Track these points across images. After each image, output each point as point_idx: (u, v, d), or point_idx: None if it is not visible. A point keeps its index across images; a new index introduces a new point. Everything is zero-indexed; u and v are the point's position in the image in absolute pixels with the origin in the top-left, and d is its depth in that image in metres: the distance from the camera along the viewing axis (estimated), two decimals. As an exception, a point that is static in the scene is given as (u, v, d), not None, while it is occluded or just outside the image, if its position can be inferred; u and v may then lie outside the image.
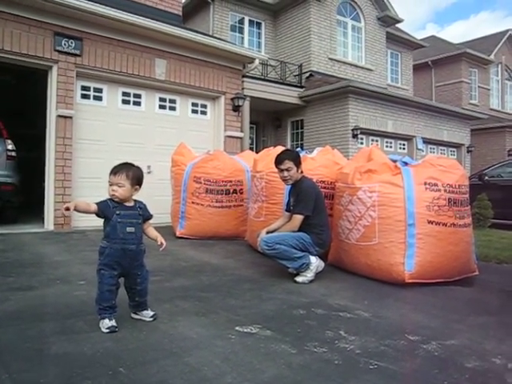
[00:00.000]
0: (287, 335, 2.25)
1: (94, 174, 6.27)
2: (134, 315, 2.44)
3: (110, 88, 6.87)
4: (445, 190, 3.45)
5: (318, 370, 1.86)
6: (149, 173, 6.90)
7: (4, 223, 6.18)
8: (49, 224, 6.07)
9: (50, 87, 6.24)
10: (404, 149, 11.95)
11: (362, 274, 3.64)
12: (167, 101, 7.55)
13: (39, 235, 5.60)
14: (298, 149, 5.55)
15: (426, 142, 12.31)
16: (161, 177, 6.88)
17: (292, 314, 2.61)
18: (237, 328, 2.33)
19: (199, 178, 5.52)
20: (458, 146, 13.59)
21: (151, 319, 2.40)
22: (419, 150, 11.94)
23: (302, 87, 11.24)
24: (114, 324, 2.22)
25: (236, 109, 8.13)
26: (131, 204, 2.37)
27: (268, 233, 3.59)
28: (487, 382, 1.82)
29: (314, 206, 3.51)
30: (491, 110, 18.78)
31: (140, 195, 2.43)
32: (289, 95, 10.85)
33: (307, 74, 11.70)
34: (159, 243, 2.45)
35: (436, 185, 3.46)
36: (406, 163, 3.74)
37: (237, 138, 8.22)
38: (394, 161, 3.80)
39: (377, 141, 11.20)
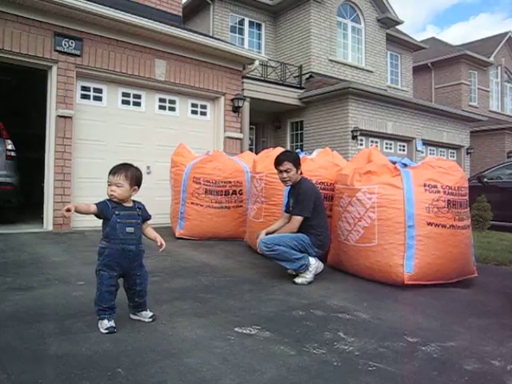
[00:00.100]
0: (286, 336, 2.25)
1: (93, 175, 6.27)
2: (132, 316, 2.43)
3: (110, 88, 6.87)
4: (444, 192, 3.46)
5: (317, 371, 1.86)
6: (148, 173, 6.91)
7: (3, 223, 6.17)
8: (48, 224, 6.07)
9: (49, 87, 6.24)
10: (403, 150, 11.96)
11: (362, 276, 3.64)
12: (167, 101, 7.55)
13: (38, 235, 5.60)
14: (298, 150, 5.56)
15: (426, 143, 12.32)
16: (160, 177, 6.89)
17: (291, 316, 2.61)
18: (236, 329, 2.33)
19: (199, 178, 5.52)
20: (457, 147, 13.61)
21: (150, 320, 2.40)
22: (419, 151, 11.96)
23: (301, 88, 11.24)
24: (113, 325, 2.22)
25: (236, 110, 8.14)
26: (130, 204, 2.38)
27: (267, 234, 3.59)
28: (486, 384, 1.82)
29: (313, 207, 3.52)
30: (491, 111, 18.82)
31: (139, 196, 2.43)
32: (289, 96, 10.85)
33: (307, 76, 11.71)
34: (158, 244, 2.45)
35: (435, 186, 3.46)
36: (405, 165, 3.74)
37: (236, 138, 8.23)
38: (394, 162, 3.80)
39: (376, 142, 11.21)
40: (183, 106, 7.75)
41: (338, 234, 3.87)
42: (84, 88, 6.61)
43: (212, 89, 7.86)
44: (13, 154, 6.00)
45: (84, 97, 6.61)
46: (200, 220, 5.51)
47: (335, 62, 12.42)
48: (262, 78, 10.66)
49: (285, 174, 3.61)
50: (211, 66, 7.83)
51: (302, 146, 11.20)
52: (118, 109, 6.95)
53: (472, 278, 3.69)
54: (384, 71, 14.07)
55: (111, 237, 2.27)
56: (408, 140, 11.90)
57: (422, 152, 12.11)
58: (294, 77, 11.64)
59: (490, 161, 14.31)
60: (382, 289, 3.34)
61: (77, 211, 2.20)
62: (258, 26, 12.73)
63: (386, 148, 11.51)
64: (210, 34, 10.74)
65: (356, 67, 13.05)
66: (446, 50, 19.30)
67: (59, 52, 6.13)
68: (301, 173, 3.70)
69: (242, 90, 8.58)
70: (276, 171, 3.74)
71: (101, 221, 2.33)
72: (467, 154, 13.76)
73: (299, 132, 11.59)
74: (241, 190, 5.60)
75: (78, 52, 6.27)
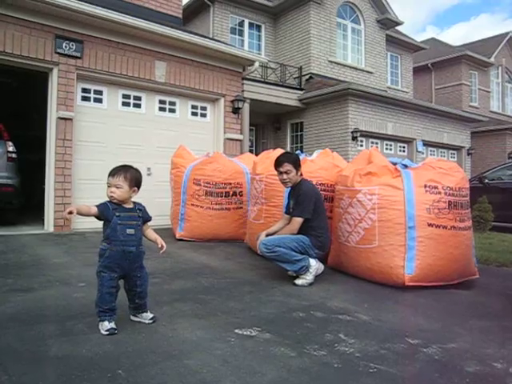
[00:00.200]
0: (287, 338, 2.24)
1: (93, 176, 6.27)
2: (133, 317, 2.43)
3: (110, 90, 6.88)
4: (445, 193, 3.45)
5: (317, 373, 1.85)
6: (149, 175, 6.91)
7: (4, 225, 6.18)
8: (49, 226, 6.07)
9: (50, 89, 6.25)
10: (404, 151, 11.96)
11: (362, 277, 3.63)
12: (167, 103, 7.56)
13: (39, 237, 5.60)
14: (298, 151, 5.56)
15: (426, 144, 12.32)
16: (161, 179, 6.89)
17: (291, 317, 2.61)
18: (236, 331, 2.33)
19: (199, 180, 5.52)
20: (458, 148, 13.60)
21: (150, 321, 2.40)
22: (419, 152, 11.95)
23: (301, 90, 11.25)
24: (114, 326, 2.22)
25: (236, 111, 8.14)
26: (131, 206, 2.38)
27: (268, 235, 3.59)
28: (487, 386, 1.82)
29: (313, 208, 3.51)
30: (491, 112, 18.81)
31: (140, 197, 2.43)
32: (288, 98, 10.86)
33: (307, 77, 11.72)
34: (159, 245, 2.45)
35: (436, 187, 3.46)
36: (405, 166, 3.74)
37: (236, 140, 8.23)
38: (394, 163, 3.80)
39: (376, 143, 11.21)
40: (183, 107, 7.76)
41: (339, 236, 3.87)
42: (84, 90, 6.62)
43: (212, 90, 7.86)
44: (14, 155, 6.01)
45: (84, 99, 6.62)
46: (200, 221, 5.51)
47: (335, 63, 12.42)
48: (262, 80, 10.67)
49: (285, 176, 3.61)
50: (211, 68, 7.84)
51: (302, 147, 11.20)
52: (118, 110, 6.96)
53: (473, 280, 3.68)
54: (384, 72, 14.08)
55: (112, 238, 2.28)
56: (408, 141, 11.90)
57: (423, 153, 12.11)
58: (294, 78, 11.65)
59: (490, 161, 14.30)
60: (383, 290, 3.33)
61: (78, 213, 2.21)
62: (258, 27, 12.75)
63: (387, 149, 11.51)
64: (210, 36, 10.76)
65: (356, 68, 13.06)
66: (447, 50, 19.31)
67: (60, 54, 6.14)
68: (301, 174, 3.70)
69: (242, 91, 8.59)
70: (276, 172, 3.74)
71: (101, 222, 2.34)
72: (468, 154, 13.75)
73: (299, 133, 11.59)
74: (241, 192, 5.61)
75: (78, 54, 6.29)
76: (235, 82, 8.23)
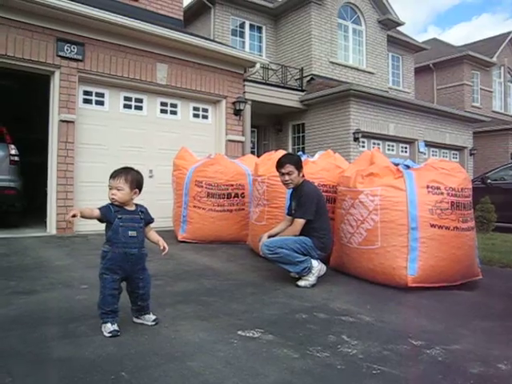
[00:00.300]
0: (289, 339, 2.24)
1: (95, 179, 6.28)
2: (136, 319, 2.43)
3: (112, 93, 6.90)
4: (447, 194, 3.44)
5: (320, 374, 1.85)
6: (151, 177, 6.92)
7: (7, 227, 6.20)
8: (51, 228, 6.09)
9: (52, 92, 6.27)
10: (406, 152, 11.94)
11: (365, 278, 3.62)
12: (168, 105, 7.58)
13: (42, 239, 5.61)
14: (300, 152, 5.56)
15: (428, 145, 12.30)
16: (163, 181, 6.90)
17: (294, 319, 2.60)
18: (239, 332, 2.32)
19: (201, 181, 5.53)
20: (460, 148, 13.58)
21: (153, 323, 2.40)
22: (421, 153, 11.94)
23: (303, 91, 11.26)
24: (117, 328, 2.22)
25: (237, 113, 8.15)
26: (132, 208, 2.38)
27: (270, 237, 3.58)
28: (491, 387, 1.81)
29: (315, 209, 3.50)
30: (494, 112, 18.76)
31: (142, 199, 2.43)
32: (290, 99, 10.87)
33: (308, 78, 11.73)
34: (161, 247, 2.45)
35: (438, 188, 3.45)
36: (408, 166, 3.73)
37: (238, 141, 8.23)
38: (396, 164, 3.79)
39: (378, 144, 11.20)
40: (185, 109, 7.77)
41: (341, 237, 3.86)
42: (86, 92, 6.64)
43: (213, 92, 7.87)
44: (16, 158, 6.03)
45: (86, 101, 6.64)
46: (202, 223, 5.51)
47: (336, 64, 12.43)
48: (263, 81, 10.69)
49: (287, 177, 3.61)
50: (212, 70, 7.85)
51: (303, 148, 11.20)
52: (119, 113, 6.98)
53: (476, 281, 3.67)
54: (385, 73, 14.08)
55: (113, 240, 2.28)
56: (410, 142, 11.89)
57: (425, 153, 12.09)
58: (295, 79, 11.66)
59: (493, 162, 14.25)
60: (385, 291, 3.33)
61: (82, 216, 2.21)
62: (259, 28, 12.77)
63: (388, 150, 11.50)
64: (211, 38, 10.78)
65: (357, 69, 13.06)
66: (448, 50, 19.29)
67: (61, 57, 6.17)
68: (303, 175, 3.69)
69: (244, 93, 8.60)
70: (278, 174, 3.74)
71: (103, 225, 2.34)
72: (470, 155, 13.73)
73: (301, 134, 11.59)
74: (243, 193, 5.61)
75: (80, 57, 6.31)
76: (236, 83, 8.24)
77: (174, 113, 7.64)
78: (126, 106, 7.07)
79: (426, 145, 12.14)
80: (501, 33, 20.88)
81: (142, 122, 7.19)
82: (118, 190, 2.29)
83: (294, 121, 11.70)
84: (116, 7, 7.23)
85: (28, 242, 5.32)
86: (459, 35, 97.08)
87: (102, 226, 2.36)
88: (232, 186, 5.57)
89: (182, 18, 9.36)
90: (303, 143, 11.43)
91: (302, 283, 3.41)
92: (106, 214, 2.28)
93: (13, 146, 6.02)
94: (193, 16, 12.24)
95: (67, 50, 6.20)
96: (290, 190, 3.82)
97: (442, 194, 3.43)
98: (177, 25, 8.60)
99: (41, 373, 1.80)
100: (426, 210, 3.37)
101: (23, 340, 2.13)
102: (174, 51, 7.31)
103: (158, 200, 6.53)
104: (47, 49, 6.05)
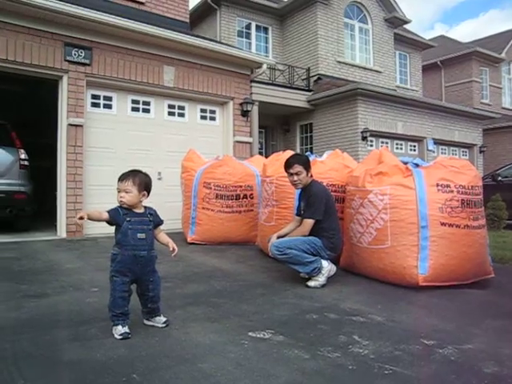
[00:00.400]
0: (300, 340, 2.23)
1: (104, 182, 6.32)
2: (146, 322, 2.44)
3: (120, 96, 6.95)
4: (457, 192, 3.41)
5: (331, 375, 1.84)
6: (159, 179, 6.95)
7: (18, 231, 6.27)
8: (61, 232, 6.14)
9: (60, 96, 6.33)
10: (414, 150, 11.85)
11: (375, 278, 3.60)
12: (176, 107, 7.60)
13: (52, 243, 5.66)
14: (308, 153, 5.54)
15: (437, 142, 12.19)
16: (171, 183, 6.92)
17: (305, 319, 2.59)
18: (249, 333, 2.32)
19: (209, 183, 5.53)
20: (469, 146, 13.43)
21: (164, 325, 2.40)
22: (430, 151, 11.83)
23: (310, 91, 11.23)
24: (127, 330, 2.23)
25: (245, 114, 8.15)
26: (141, 210, 2.39)
27: (279, 237, 3.58)
28: (506, 387, 1.78)
29: (324, 209, 3.49)
30: (503, 108, 18.54)
31: (151, 202, 2.44)
32: (297, 99, 10.85)
33: (315, 78, 11.70)
34: (171, 249, 2.46)
35: (448, 186, 3.41)
36: (417, 165, 3.70)
37: (246, 142, 8.23)
38: (405, 163, 3.76)
39: (387, 143, 11.13)
40: (192, 111, 7.79)
41: (351, 237, 3.84)
42: (94, 96, 6.69)
43: (220, 94, 7.89)
44: (26, 163, 6.09)
45: (94, 105, 6.69)
46: (211, 225, 5.52)
47: (343, 63, 12.38)
48: (270, 82, 10.68)
49: (295, 177, 3.60)
50: (219, 71, 7.86)
51: (311, 148, 11.17)
52: (127, 116, 7.02)
53: (488, 279, 3.62)
54: (393, 71, 13.99)
55: (123, 243, 2.29)
56: (419, 140, 11.79)
57: (434, 151, 11.98)
58: (302, 79, 11.63)
59: (503, 159, 14.06)
60: (396, 291, 3.30)
61: (89, 219, 2.23)
62: (265, 29, 12.77)
63: (397, 148, 11.42)
64: (218, 39, 10.80)
65: (364, 68, 13.00)
66: (456, 47, 19.11)
67: (69, 62, 6.22)
68: (311, 175, 3.68)
69: (251, 93, 8.60)
70: (286, 174, 3.73)
71: (113, 227, 2.35)
72: (480, 152, 13.57)
73: (308, 135, 11.56)
74: (251, 194, 5.60)
75: (87, 61, 6.36)
76: (243, 84, 8.24)
77: (181, 115, 7.66)
78: (134, 109, 7.11)
79: (435, 143, 12.03)
80: (509, 28, 20.64)
81: (150, 125, 7.23)
82: (127, 192, 2.30)
83: (302, 121, 11.67)
84: (122, 11, 7.29)
85: (38, 246, 5.37)
86: (466, 32, 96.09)
87: (111, 229, 2.37)
88: (240, 187, 5.57)
89: (188, 20, 9.40)
90: (311, 143, 11.40)
91: (311, 284, 3.40)
92: (115, 217, 2.29)
93: (22, 151, 6.08)
94: (199, 18, 12.28)
95: (75, 54, 6.25)
96: (299, 191, 3.81)
97: (452, 192, 3.40)
98: (183, 27, 8.64)
99: (52, 375, 1.81)
100: (435, 209, 3.34)
101: (35, 343, 2.15)
102: (180, 54, 7.33)
103: (166, 202, 6.55)
104: (55, 54, 6.11)
